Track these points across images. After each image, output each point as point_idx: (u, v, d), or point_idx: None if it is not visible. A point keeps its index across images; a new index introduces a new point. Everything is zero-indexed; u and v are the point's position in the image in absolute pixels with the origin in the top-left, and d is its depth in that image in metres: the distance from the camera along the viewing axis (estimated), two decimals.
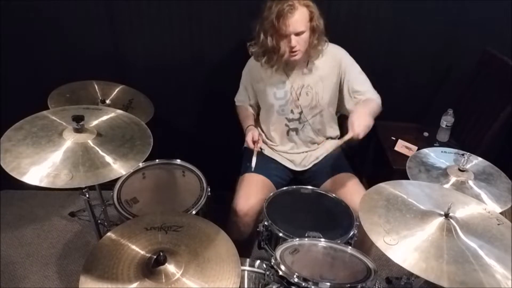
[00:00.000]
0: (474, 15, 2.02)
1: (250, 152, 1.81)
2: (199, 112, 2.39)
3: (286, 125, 1.88)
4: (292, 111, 1.84)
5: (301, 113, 1.84)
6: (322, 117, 1.87)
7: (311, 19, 1.64)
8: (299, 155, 1.93)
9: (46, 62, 2.18)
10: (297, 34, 1.62)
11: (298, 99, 1.81)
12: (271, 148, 1.95)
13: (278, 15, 1.58)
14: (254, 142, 1.77)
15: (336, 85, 1.83)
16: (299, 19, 1.59)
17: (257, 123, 2.00)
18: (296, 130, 1.88)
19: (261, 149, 1.93)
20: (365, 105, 1.73)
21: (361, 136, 1.55)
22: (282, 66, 1.78)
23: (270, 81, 1.82)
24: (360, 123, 1.55)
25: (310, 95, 1.81)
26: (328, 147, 1.89)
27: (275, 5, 1.59)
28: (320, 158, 1.92)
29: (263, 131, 1.98)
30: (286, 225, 1.50)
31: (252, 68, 1.88)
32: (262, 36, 1.68)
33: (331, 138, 1.99)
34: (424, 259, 1.05)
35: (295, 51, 1.65)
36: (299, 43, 1.64)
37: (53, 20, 2.06)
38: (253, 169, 1.73)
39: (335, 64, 1.79)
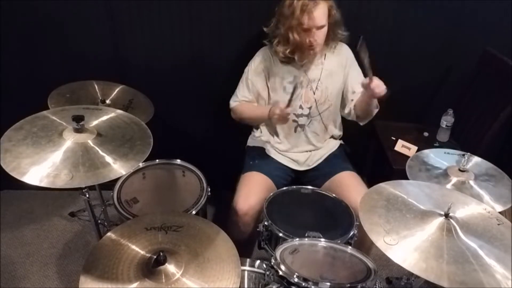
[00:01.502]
0: (474, 15, 2.02)
1: (252, 151, 1.83)
2: (199, 112, 2.39)
3: (295, 120, 1.87)
4: (301, 106, 1.84)
5: (310, 108, 1.85)
6: (330, 112, 1.89)
7: (329, 14, 1.67)
8: (303, 154, 1.93)
9: (46, 62, 2.18)
10: (318, 28, 1.65)
11: (310, 93, 1.82)
12: (274, 149, 1.95)
13: (302, 9, 1.61)
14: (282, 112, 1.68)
15: (343, 82, 1.86)
16: (321, 13, 1.63)
17: None
18: (303, 127, 1.89)
19: (264, 149, 1.94)
20: None
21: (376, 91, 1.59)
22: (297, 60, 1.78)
23: (281, 74, 1.82)
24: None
25: (320, 89, 1.82)
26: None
27: (296, 0, 1.62)
28: (324, 157, 1.93)
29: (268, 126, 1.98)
30: (286, 225, 1.50)
31: (266, 59, 1.85)
32: (290, 34, 1.68)
33: (334, 138, 2.01)
34: (424, 259, 1.05)
35: (314, 45, 1.68)
36: (319, 37, 1.67)
37: (53, 20, 2.06)
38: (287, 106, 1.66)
39: (343, 61, 1.83)
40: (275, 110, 1.69)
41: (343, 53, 1.85)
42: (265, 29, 1.79)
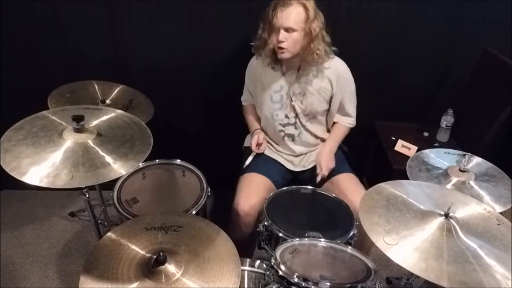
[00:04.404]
0: (474, 15, 2.02)
1: (249, 152, 1.85)
2: (199, 112, 2.39)
3: (281, 130, 1.88)
4: (287, 116, 1.84)
5: (296, 117, 1.84)
6: (317, 123, 1.89)
7: (306, 21, 1.62)
8: (297, 158, 1.93)
9: (46, 62, 2.18)
10: (287, 30, 1.61)
11: (293, 105, 1.81)
12: (271, 148, 1.95)
13: (274, 8, 1.61)
14: (257, 145, 1.86)
15: (332, 99, 1.83)
16: (291, 15, 1.59)
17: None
18: (292, 136, 1.88)
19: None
20: (333, 138, 1.89)
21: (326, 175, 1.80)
22: (281, 69, 1.78)
23: (268, 84, 1.82)
24: (327, 165, 1.79)
25: (305, 104, 1.81)
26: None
27: (275, 0, 1.63)
28: None
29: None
30: (286, 225, 1.50)
31: (252, 69, 1.89)
32: (260, 30, 1.71)
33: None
34: (424, 259, 1.05)
35: (281, 48, 1.64)
36: (287, 40, 1.62)
37: (53, 20, 2.06)
38: (244, 166, 1.84)
39: (335, 77, 1.78)
40: (254, 137, 1.88)
41: (335, 69, 1.77)
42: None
